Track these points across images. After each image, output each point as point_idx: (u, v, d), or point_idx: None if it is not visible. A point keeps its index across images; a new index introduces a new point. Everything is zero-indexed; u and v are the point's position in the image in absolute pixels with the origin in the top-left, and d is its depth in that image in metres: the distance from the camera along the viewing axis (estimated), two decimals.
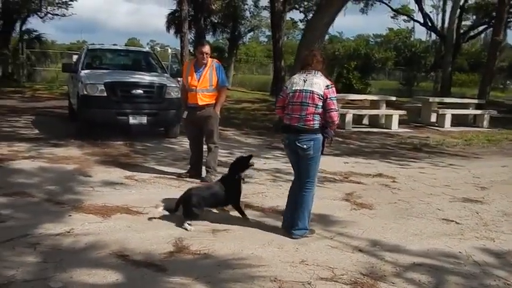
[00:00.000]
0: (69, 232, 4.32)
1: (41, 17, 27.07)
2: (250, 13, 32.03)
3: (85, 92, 8.93)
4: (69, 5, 27.61)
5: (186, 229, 4.51)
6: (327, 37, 45.16)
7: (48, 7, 27.18)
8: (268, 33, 37.74)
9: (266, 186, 6.35)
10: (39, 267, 3.60)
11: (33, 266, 3.62)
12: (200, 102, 6.38)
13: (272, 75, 25.16)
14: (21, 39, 25.34)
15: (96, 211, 4.94)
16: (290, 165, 7.65)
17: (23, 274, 3.46)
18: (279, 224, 4.82)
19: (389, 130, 12.77)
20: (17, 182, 5.97)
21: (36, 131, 10.06)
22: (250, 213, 5.16)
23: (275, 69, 19.46)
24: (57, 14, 27.65)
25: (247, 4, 31.22)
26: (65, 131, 9.79)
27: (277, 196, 5.89)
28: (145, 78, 9.73)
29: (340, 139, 10.83)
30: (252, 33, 35.77)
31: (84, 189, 5.75)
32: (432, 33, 32.64)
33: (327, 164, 7.89)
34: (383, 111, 13.63)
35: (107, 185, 5.99)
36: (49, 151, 7.86)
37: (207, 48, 6.35)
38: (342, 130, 12.10)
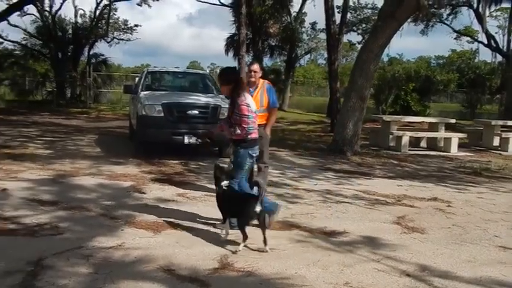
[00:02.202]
0: (120, 245, 4.49)
1: (107, 42, 28.70)
2: (307, 35, 32.28)
3: (143, 113, 9.31)
4: (134, 30, 29.07)
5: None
6: (386, 59, 44.37)
7: (115, 32, 28.69)
8: (326, 55, 37.81)
9: (315, 207, 6.33)
10: (90, 278, 3.77)
11: (85, 276, 3.79)
12: None
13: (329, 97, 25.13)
14: (88, 63, 26.79)
15: (148, 226, 5.11)
16: (341, 186, 7.71)
17: (74, 284, 3.64)
18: (326, 244, 4.82)
19: (448, 153, 12.35)
20: (77, 197, 6.28)
21: (98, 150, 10.55)
22: (297, 234, 5.16)
23: (331, 90, 19.38)
24: (122, 39, 29.16)
25: (304, 27, 31.50)
26: (124, 150, 10.21)
27: (326, 217, 5.86)
28: (201, 99, 9.99)
29: (395, 162, 10.62)
30: (309, 55, 35.88)
31: (137, 205, 5.97)
32: (498, 54, 31.46)
33: (379, 186, 7.81)
34: (441, 133, 13.22)
35: (159, 202, 6.19)
36: (108, 168, 8.22)
37: (254, 67, 6.46)
38: (397, 152, 11.86)
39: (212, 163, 9.21)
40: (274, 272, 4.03)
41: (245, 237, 4.59)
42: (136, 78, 15.40)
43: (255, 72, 6.45)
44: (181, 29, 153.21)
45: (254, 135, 5.07)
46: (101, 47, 38.13)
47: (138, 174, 7.92)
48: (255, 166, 6.70)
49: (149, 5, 26.70)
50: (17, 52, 26.84)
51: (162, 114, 9.20)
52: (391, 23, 11.30)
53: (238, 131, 4.98)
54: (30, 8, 25.45)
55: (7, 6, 21.58)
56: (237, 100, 4.99)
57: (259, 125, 6.49)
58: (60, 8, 26.77)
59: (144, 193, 6.64)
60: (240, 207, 4.72)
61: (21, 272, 3.80)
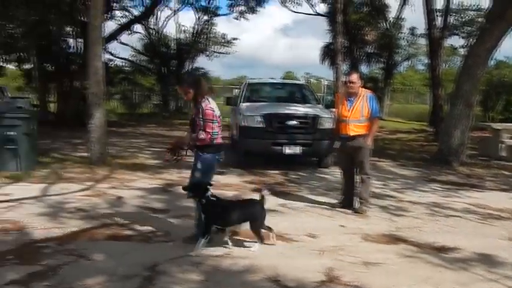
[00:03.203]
0: (228, 254, 4.63)
1: (207, 56, 29.79)
2: (406, 41, 31.17)
3: (244, 124, 9.56)
4: (231, 43, 29.94)
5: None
6: (492, 62, 41.67)
7: (214, 46, 29.76)
8: (426, 61, 36.26)
9: (423, 221, 6.07)
10: (201, 285, 3.92)
11: (196, 283, 3.94)
12: (351, 133, 6.39)
13: (430, 104, 24.06)
14: None
15: (252, 236, 5.19)
16: (449, 199, 7.34)
17: None
18: (437, 261, 4.60)
19: None
20: (184, 205, 6.55)
21: None
22: (404, 248, 4.97)
23: (433, 97, 18.56)
24: (221, 52, 30.14)
25: (402, 32, 30.47)
26: (225, 160, 10.44)
27: (435, 232, 5.60)
28: (300, 109, 10.04)
29: (507, 173, 9.90)
30: (408, 61, 34.57)
31: None
32: None
33: (492, 199, 7.32)
34: None
35: None
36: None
37: (352, 77, 6.39)
38: (510, 163, 11.04)
39: (312, 173, 9.31)
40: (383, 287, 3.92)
41: (262, 238, 4.78)
42: (235, 90, 15.86)
43: (352, 83, 6.38)
44: (277, 40, 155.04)
45: (219, 140, 4.98)
46: (201, 61, 39.85)
47: (240, 183, 8.12)
48: (357, 177, 6.62)
49: (246, 19, 27.41)
50: (126, 68, 28.77)
51: (262, 125, 9.38)
52: (499, 24, 10.62)
53: (202, 136, 4.83)
54: (138, 27, 27.23)
55: (118, 27, 23.27)
56: (201, 104, 4.87)
57: (360, 136, 6.41)
58: (164, 26, 28.43)
59: None
60: (248, 212, 4.85)
61: (138, 276, 4.04)
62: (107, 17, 20.88)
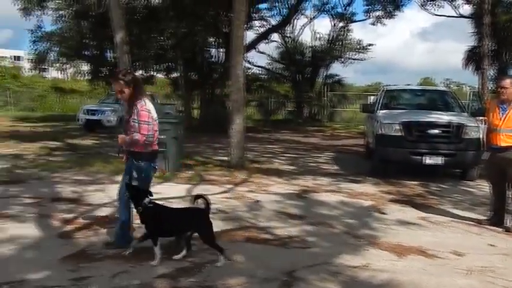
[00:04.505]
0: (366, 266, 4.51)
1: (342, 62, 29.57)
2: None
3: (381, 131, 9.28)
4: (367, 49, 29.35)
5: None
6: None
7: (349, 53, 29.45)
8: None
9: None
10: None
11: None
12: (502, 144, 5.86)
13: None
14: (324, 83, 28.10)
15: (391, 249, 5.03)
16: None
17: None
18: None
19: None
20: (320, 212, 6.58)
21: (336, 167, 10.90)
22: None
23: None
24: (356, 59, 29.70)
25: None
26: (361, 168, 10.32)
27: None
28: (442, 117, 9.48)
29: None
30: None
31: (379, 226, 5.93)
32: None
33: None
34: None
35: (401, 224, 6.04)
36: (347, 186, 8.42)
37: (504, 82, 5.85)
38: None
39: (455, 186, 8.73)
40: None
41: (221, 249, 4.44)
42: (370, 97, 15.53)
43: (504, 88, 5.86)
44: (414, 44, 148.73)
45: (154, 146, 4.71)
46: (335, 68, 39.75)
47: (377, 193, 7.90)
48: (509, 192, 6.04)
49: (383, 24, 26.68)
50: (262, 76, 29.80)
51: (400, 133, 9.03)
52: None
53: (137, 137, 4.51)
54: (274, 36, 28.01)
55: (256, 36, 24.23)
56: (136, 105, 4.53)
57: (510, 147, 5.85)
58: (300, 34, 28.92)
59: (384, 213, 6.58)
60: (192, 221, 4.52)
61: (276, 280, 4.12)
62: (246, 27, 21.87)
